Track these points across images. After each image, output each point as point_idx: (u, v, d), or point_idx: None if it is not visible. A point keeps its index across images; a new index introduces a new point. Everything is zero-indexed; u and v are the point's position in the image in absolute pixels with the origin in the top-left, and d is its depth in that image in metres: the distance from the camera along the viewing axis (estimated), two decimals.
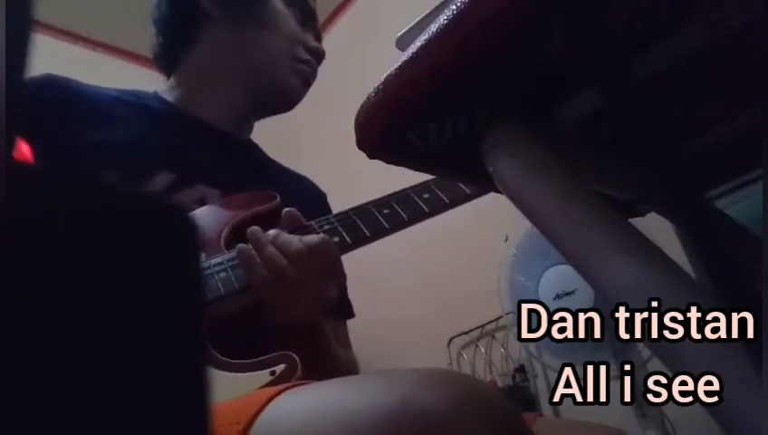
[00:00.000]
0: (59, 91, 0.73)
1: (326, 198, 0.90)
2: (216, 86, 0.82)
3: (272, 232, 0.65)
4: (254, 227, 0.65)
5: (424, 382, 0.34)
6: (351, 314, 0.84)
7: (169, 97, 0.83)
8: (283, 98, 0.85)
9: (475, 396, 0.34)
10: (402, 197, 0.77)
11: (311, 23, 0.87)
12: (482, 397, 0.34)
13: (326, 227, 0.72)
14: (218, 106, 0.82)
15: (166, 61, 0.86)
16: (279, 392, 0.41)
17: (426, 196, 0.77)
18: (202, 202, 0.72)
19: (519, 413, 0.37)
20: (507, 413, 0.34)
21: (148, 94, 0.83)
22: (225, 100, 0.82)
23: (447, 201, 0.77)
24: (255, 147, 0.90)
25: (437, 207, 0.77)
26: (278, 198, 0.74)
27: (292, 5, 0.84)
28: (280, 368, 0.58)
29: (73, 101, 0.73)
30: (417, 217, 0.76)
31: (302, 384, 0.44)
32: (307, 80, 0.85)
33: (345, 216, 0.74)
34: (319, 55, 0.86)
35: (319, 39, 0.88)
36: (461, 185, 0.78)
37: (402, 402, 0.33)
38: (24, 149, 0.67)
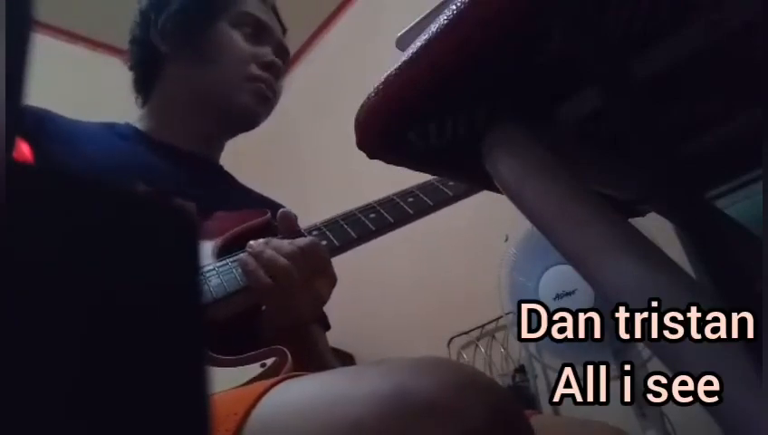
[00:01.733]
0: (35, 117, 0.75)
1: (296, 219, 0.92)
2: (179, 116, 0.86)
3: (262, 240, 0.68)
4: (251, 241, 0.68)
5: (421, 369, 0.35)
6: (328, 326, 0.85)
7: (140, 127, 0.87)
8: (241, 118, 0.86)
9: (470, 381, 0.35)
10: (387, 202, 0.81)
11: (265, 36, 0.88)
12: (477, 382, 0.35)
13: (314, 232, 0.75)
14: (185, 133, 0.86)
15: (140, 95, 0.91)
16: (277, 382, 0.41)
17: (410, 200, 0.81)
18: None
19: (514, 397, 0.37)
20: (503, 397, 0.35)
21: (120, 125, 0.87)
22: (189, 127, 0.86)
23: (431, 203, 0.81)
24: (226, 172, 0.93)
25: (422, 210, 0.81)
26: (269, 214, 0.76)
27: (240, 25, 0.85)
28: (270, 360, 0.58)
29: (46, 126, 0.75)
30: (403, 219, 0.79)
31: (300, 375, 0.44)
32: (264, 95, 0.85)
33: (332, 221, 0.77)
34: (274, 68, 0.86)
35: (280, 49, 0.89)
36: (444, 189, 0.82)
37: (400, 389, 0.34)
38: (23, 150, 0.67)
